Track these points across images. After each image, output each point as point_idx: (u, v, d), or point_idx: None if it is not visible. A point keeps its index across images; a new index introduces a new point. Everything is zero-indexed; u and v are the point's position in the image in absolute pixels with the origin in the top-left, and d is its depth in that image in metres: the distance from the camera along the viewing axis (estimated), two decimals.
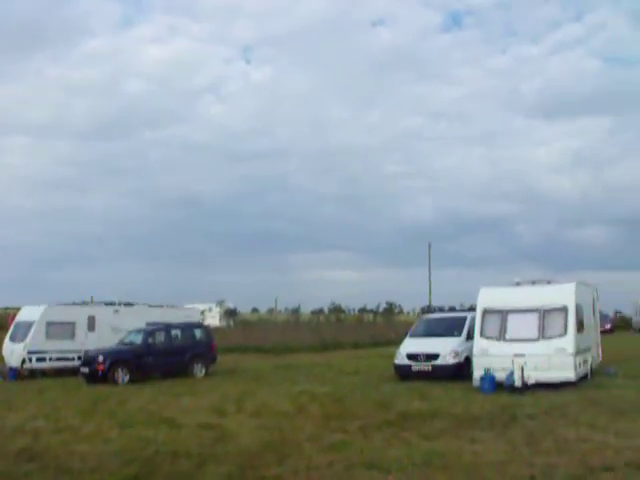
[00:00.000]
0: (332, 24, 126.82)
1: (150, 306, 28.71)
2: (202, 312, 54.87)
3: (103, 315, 26.27)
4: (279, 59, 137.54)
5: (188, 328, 24.40)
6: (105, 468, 8.58)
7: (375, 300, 64.76)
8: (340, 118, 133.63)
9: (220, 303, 60.91)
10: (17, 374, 23.96)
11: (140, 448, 9.77)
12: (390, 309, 61.41)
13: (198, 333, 24.51)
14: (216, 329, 51.11)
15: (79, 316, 25.55)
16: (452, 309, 21.66)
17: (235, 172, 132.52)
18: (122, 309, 27.33)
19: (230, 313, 62.36)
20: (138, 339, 22.84)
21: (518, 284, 18.40)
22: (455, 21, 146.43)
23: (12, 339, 25.35)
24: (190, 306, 36.38)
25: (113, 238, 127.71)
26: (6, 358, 24.94)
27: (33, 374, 24.22)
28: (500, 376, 16.01)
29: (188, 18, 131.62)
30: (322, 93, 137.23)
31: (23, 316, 26.20)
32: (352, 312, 64.20)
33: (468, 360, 17.97)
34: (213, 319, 58.75)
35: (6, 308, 51.25)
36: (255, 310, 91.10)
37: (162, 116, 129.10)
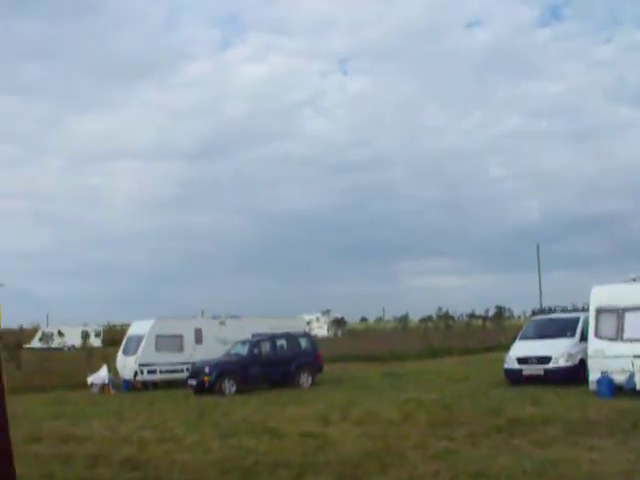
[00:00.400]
0: (426, 29, 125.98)
1: (256, 318, 28.94)
2: (309, 322, 55.43)
3: (210, 327, 26.65)
4: (375, 68, 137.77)
5: (293, 338, 24.34)
6: (204, 478, 8.48)
7: (483, 305, 63.27)
8: (440, 123, 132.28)
9: (326, 313, 61.00)
10: (130, 386, 24.65)
11: (240, 458, 9.64)
12: (500, 313, 59.61)
13: (303, 343, 24.43)
14: (324, 339, 51.43)
15: (186, 329, 26.02)
16: (564, 310, 20.58)
17: (338, 184, 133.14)
18: (228, 321, 27.65)
19: (338, 323, 62.32)
20: (244, 350, 23.00)
21: (634, 280, 17.20)
22: (554, 14, 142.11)
23: (125, 352, 26.12)
24: (299, 317, 36.44)
25: (221, 254, 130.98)
26: (120, 371, 25.70)
27: (145, 386, 24.85)
28: (619, 379, 14.99)
29: (283, 35, 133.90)
30: (421, 99, 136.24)
31: (134, 330, 27.00)
32: (461, 318, 62.94)
33: (583, 363, 16.95)
34: (321, 329, 58.92)
35: (122, 325, 53.12)
36: (364, 319, 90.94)
37: (263, 133, 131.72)
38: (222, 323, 27.37)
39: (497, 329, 50.22)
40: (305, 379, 22.93)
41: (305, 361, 23.35)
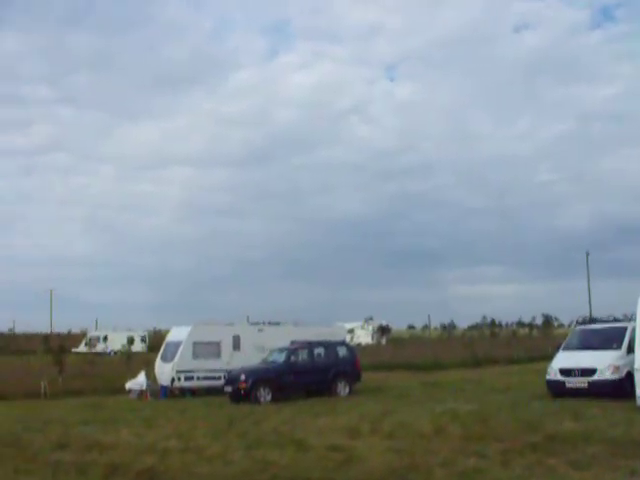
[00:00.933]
0: (473, 34, 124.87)
1: (295, 325, 28.65)
2: (353, 330, 54.93)
3: (248, 334, 26.42)
4: (422, 74, 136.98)
5: (331, 346, 23.91)
6: None
7: (531, 313, 61.86)
8: (488, 128, 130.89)
9: (368, 321, 60.37)
10: (167, 392, 24.56)
11: (259, 472, 9.28)
12: (547, 322, 58.14)
13: (341, 351, 23.99)
14: (367, 347, 50.90)
15: (224, 336, 25.82)
16: (615, 319, 19.68)
17: (384, 190, 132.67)
18: (267, 328, 27.45)
19: (382, 330, 61.61)
20: (281, 358, 22.71)
21: None
22: (605, 16, 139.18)
23: (163, 359, 26.05)
24: (339, 324, 36.02)
25: (269, 261, 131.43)
26: (158, 377, 25.64)
27: (183, 393, 24.73)
28: None
29: (330, 42, 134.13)
30: (468, 105, 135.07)
31: (172, 336, 26.93)
32: (508, 327, 61.59)
33: (630, 376, 16.11)
34: (365, 337, 58.33)
35: (167, 330, 53.46)
36: (411, 327, 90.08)
37: (310, 140, 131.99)
38: (260, 330, 27.17)
39: (544, 338, 48.97)
40: (342, 388, 22.51)
41: (343, 370, 22.94)
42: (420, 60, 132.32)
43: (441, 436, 12.00)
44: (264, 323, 27.81)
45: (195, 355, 25.00)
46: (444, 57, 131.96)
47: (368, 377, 25.95)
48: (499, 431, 12.14)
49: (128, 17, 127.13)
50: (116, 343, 51.31)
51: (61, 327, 70.02)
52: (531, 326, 59.54)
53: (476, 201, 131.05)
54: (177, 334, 26.46)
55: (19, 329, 61.84)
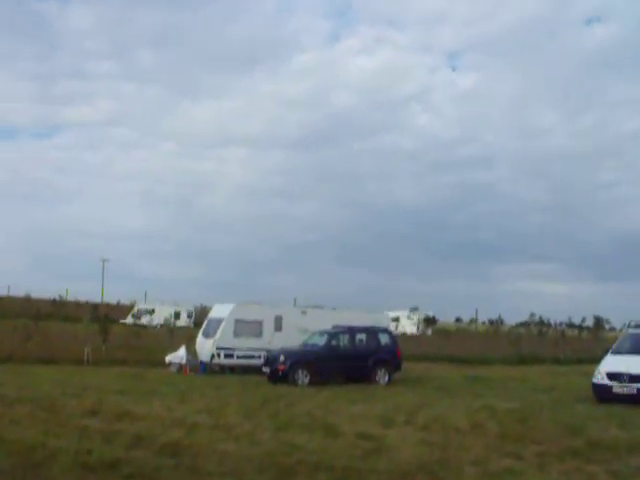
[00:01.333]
0: (541, 25, 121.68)
1: (339, 309, 28.38)
2: (397, 318, 54.37)
3: (290, 316, 26.26)
4: (486, 65, 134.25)
5: (373, 333, 23.59)
6: (238, 473, 7.93)
7: (581, 314, 60.19)
8: (550, 123, 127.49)
9: (413, 310, 59.68)
10: (207, 368, 24.59)
11: (284, 454, 9.03)
12: (598, 324, 56.48)
13: (383, 338, 23.62)
14: (412, 336, 50.36)
15: (266, 315, 25.72)
16: None
17: (441, 180, 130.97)
18: (310, 311, 27.26)
19: (429, 321, 60.87)
20: (321, 341, 22.51)
21: None
22: None
23: (204, 334, 26.11)
24: (383, 312, 35.62)
25: (322, 245, 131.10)
26: (198, 352, 25.71)
27: (222, 369, 24.75)
28: None
29: (393, 28, 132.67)
30: (531, 97, 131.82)
31: (215, 313, 26.98)
32: (556, 326, 60.15)
33: None
34: (410, 326, 57.73)
35: None
36: (458, 320, 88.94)
37: (369, 125, 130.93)
38: (304, 312, 26.97)
39: (594, 340, 47.66)
40: (382, 376, 22.18)
41: (383, 357, 22.61)
42: (484, 50, 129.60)
43: (477, 432, 11.58)
44: (307, 306, 27.54)
45: (236, 333, 24.96)
46: (509, 47, 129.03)
47: (410, 367, 25.57)
48: (538, 432, 11.64)
49: None
50: (162, 317, 51.90)
51: (112, 298, 71.26)
52: (581, 327, 57.99)
53: (535, 196, 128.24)
54: (220, 311, 26.47)
55: (71, 297, 63.14)
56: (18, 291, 63.17)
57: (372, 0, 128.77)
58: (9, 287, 64.98)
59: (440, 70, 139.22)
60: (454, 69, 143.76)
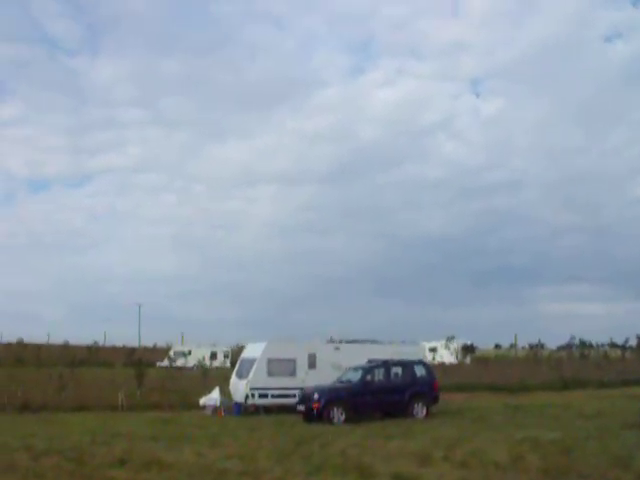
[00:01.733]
0: (561, 47, 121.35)
1: (372, 343, 27.93)
2: (434, 349, 53.61)
3: (323, 352, 25.85)
4: (509, 89, 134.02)
5: (409, 365, 23.04)
6: None
7: (624, 335, 58.66)
8: (577, 144, 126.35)
9: (450, 339, 58.84)
10: (241, 409, 24.23)
11: None
12: None
13: (419, 371, 23.06)
14: (450, 366, 49.50)
15: (299, 353, 25.32)
16: None
17: (469, 207, 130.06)
18: (343, 346, 26.86)
19: (467, 350, 59.92)
20: (355, 377, 22.06)
21: None
22: None
23: (238, 375, 25.80)
24: (418, 343, 35.03)
25: (353, 278, 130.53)
26: (232, 393, 25.39)
27: (257, 410, 24.36)
28: None
29: (414, 58, 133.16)
30: (557, 119, 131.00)
31: (247, 353, 26.70)
32: (599, 348, 58.71)
33: None
34: (448, 356, 56.86)
35: None
36: (498, 346, 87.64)
37: (395, 156, 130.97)
38: (337, 348, 26.57)
39: (639, 361, 46.35)
40: (419, 409, 21.62)
41: (420, 390, 22.05)
42: (506, 74, 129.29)
43: (518, 467, 11.08)
44: (341, 341, 27.14)
45: (270, 372, 24.61)
46: (531, 71, 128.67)
47: (448, 398, 24.98)
48: (583, 465, 11.07)
49: (213, 39, 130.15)
50: (196, 358, 51.73)
51: (149, 341, 71.61)
52: (624, 348, 56.56)
53: (566, 217, 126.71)
54: (252, 351, 26.18)
55: (109, 342, 63.79)
56: (57, 339, 63.93)
57: (392, 32, 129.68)
58: (48, 335, 65.93)
59: (463, 97, 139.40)
60: (477, 95, 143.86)
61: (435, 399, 22.47)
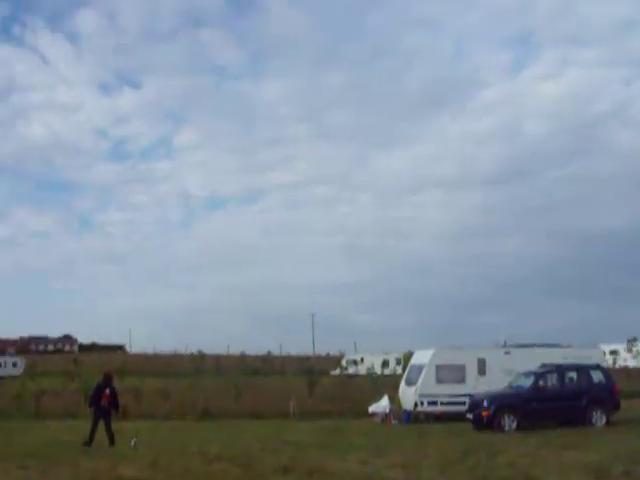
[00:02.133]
0: None
1: (546, 347, 26.61)
2: (615, 351, 50.38)
3: (493, 357, 24.94)
4: None
5: (585, 370, 21.67)
6: None
7: None
8: None
9: (633, 341, 55.00)
10: (410, 417, 23.95)
11: None
12: None
13: (596, 376, 21.62)
14: (634, 370, 46.22)
15: (468, 359, 24.63)
16: None
17: None
18: (514, 351, 25.78)
19: None
20: (527, 383, 21.09)
21: None
22: None
23: (407, 382, 25.54)
24: (597, 346, 33.02)
25: (530, 279, 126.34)
26: (401, 401, 25.17)
27: (427, 417, 23.98)
28: None
29: (579, 45, 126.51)
30: None
31: (416, 360, 26.38)
32: None
33: None
34: (632, 359, 53.22)
35: None
36: None
37: (565, 151, 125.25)
38: (508, 353, 25.55)
39: None
40: (598, 417, 20.24)
41: (598, 397, 20.65)
42: None
43: None
44: (512, 345, 26.08)
45: (438, 379, 24.14)
46: None
47: (632, 405, 23.26)
48: None
49: (371, 51, 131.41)
50: (368, 365, 51.95)
51: (322, 350, 73.33)
52: None
53: None
54: (421, 357, 25.85)
55: (284, 351, 66.23)
56: (235, 349, 67.28)
57: (553, 20, 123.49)
58: (228, 347, 69.54)
59: (636, 81, 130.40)
60: None
61: (616, 406, 20.96)
